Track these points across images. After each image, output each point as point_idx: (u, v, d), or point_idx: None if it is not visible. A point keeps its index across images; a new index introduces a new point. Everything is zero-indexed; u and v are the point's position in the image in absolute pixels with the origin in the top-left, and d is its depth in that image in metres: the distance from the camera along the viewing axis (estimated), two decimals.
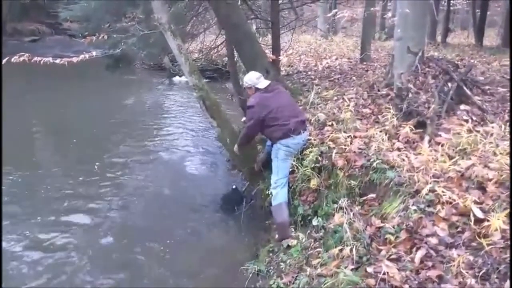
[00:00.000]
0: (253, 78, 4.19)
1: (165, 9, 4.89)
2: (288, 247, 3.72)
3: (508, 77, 6.18)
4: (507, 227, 2.38)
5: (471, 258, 2.30)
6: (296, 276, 3.14)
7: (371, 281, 2.36)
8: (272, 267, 3.63)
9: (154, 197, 5.62)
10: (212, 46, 10.89)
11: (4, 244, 4.32)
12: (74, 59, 5.17)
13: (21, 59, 4.90)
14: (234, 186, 5.19)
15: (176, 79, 14.22)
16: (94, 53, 5.44)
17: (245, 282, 3.64)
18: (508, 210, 2.49)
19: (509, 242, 2.29)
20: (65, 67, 5.20)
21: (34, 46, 20.18)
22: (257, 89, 4.16)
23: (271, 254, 3.87)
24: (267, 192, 4.21)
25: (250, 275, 3.67)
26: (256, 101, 4.06)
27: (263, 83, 4.17)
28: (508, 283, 2.05)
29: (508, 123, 3.92)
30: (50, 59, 5.12)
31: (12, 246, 4.35)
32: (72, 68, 5.34)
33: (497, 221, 2.37)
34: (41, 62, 5.03)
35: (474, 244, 2.41)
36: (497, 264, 2.19)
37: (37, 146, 7.91)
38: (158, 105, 11.47)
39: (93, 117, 9.79)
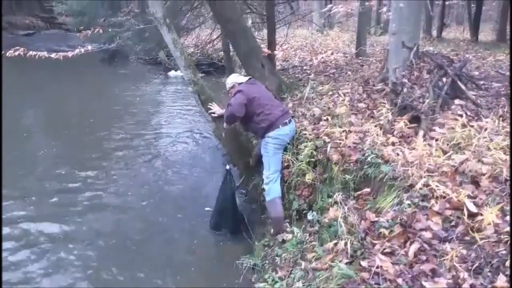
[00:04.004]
0: (233, 77, 4.54)
1: (161, 3, 4.86)
2: (283, 241, 3.73)
3: (503, 72, 6.20)
4: (500, 221, 2.40)
5: (464, 252, 2.31)
6: (291, 270, 3.16)
7: (365, 275, 2.37)
8: (267, 261, 3.64)
9: (149, 191, 5.62)
10: (208, 41, 10.85)
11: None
12: (70, 54, 5.14)
13: (16, 53, 4.88)
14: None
15: (172, 73, 14.18)
16: (89, 47, 5.40)
17: (240, 276, 3.67)
18: (501, 205, 2.51)
19: (501, 236, 2.30)
20: (60, 61, 5.18)
21: (29, 40, 20.07)
22: (239, 84, 4.33)
23: (266, 248, 3.89)
24: (262, 187, 4.21)
25: (245, 269, 3.69)
26: (242, 88, 4.16)
27: (243, 78, 4.46)
28: (500, 276, 2.07)
29: (502, 118, 3.93)
30: (45, 53, 5.09)
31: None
32: (68, 62, 5.31)
33: (490, 215, 2.38)
34: (36, 56, 5.00)
35: (467, 238, 2.43)
36: (490, 258, 2.21)
37: (32, 139, 7.88)
38: (154, 99, 11.46)
39: (88, 109, 9.87)
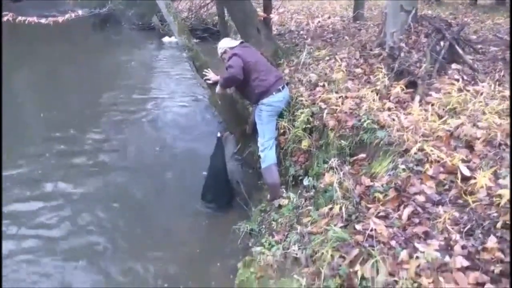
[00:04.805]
0: (226, 41, 4.32)
1: None
2: (280, 206, 3.79)
3: (501, 36, 6.13)
4: (492, 184, 2.44)
5: (457, 214, 2.36)
6: (287, 234, 3.21)
7: (359, 238, 2.42)
8: (264, 226, 3.71)
9: (148, 156, 5.68)
10: (202, 5, 10.63)
11: None
12: (60, 19, 5.04)
13: (5, 19, 4.78)
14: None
15: (166, 39, 13.91)
16: (80, 12, 5.29)
17: (237, 241, 3.75)
18: (494, 168, 2.54)
19: (493, 199, 2.34)
20: (50, 27, 5.07)
21: (18, 6, 19.47)
22: (231, 49, 4.12)
23: (263, 214, 3.94)
24: (258, 154, 4.23)
25: (243, 234, 3.76)
26: (237, 52, 3.99)
27: (235, 42, 4.28)
28: (491, 237, 2.12)
29: (498, 83, 3.92)
30: (35, 18, 4.98)
31: None
32: (59, 30, 5.22)
33: (483, 178, 2.41)
34: (26, 21, 4.90)
35: (460, 201, 2.47)
36: (481, 220, 2.25)
37: (29, 104, 7.82)
38: (148, 64, 11.31)
39: (83, 76, 9.78)
